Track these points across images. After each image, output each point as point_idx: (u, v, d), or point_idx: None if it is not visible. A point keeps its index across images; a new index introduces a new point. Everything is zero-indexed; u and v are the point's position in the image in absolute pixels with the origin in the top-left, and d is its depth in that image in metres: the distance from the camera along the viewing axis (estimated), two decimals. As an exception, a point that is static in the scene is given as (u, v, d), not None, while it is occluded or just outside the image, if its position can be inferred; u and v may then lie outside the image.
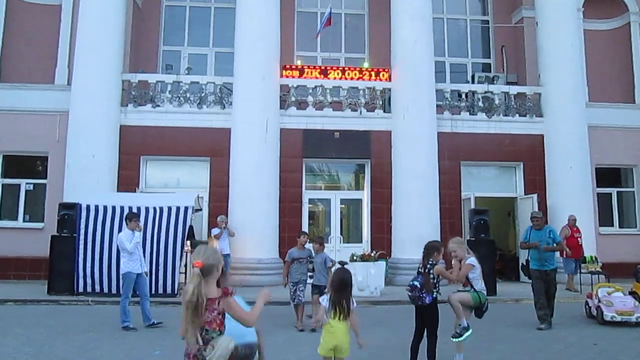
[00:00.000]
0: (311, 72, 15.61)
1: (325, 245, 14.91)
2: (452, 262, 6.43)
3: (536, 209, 14.77)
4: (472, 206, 14.25)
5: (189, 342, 3.15)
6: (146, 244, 11.04)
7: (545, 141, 15.67)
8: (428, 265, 5.92)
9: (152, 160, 14.97)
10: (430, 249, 5.98)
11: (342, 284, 4.75)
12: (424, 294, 5.80)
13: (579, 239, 13.14)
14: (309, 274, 9.00)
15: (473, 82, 16.96)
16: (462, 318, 6.11)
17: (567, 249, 12.68)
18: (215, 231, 12.93)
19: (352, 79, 15.63)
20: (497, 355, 6.30)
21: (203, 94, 15.03)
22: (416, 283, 5.87)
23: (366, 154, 15.15)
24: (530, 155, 15.68)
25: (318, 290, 8.41)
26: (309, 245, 9.25)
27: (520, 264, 9.49)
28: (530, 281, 9.17)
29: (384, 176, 14.99)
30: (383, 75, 15.64)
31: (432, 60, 15.33)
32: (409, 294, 5.93)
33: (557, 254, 10.82)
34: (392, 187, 14.86)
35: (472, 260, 6.30)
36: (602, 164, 16.38)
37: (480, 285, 6.27)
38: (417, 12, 15.02)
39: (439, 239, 14.26)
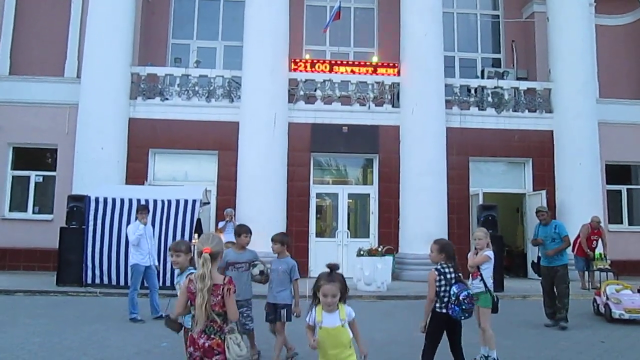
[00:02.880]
0: (325, 67, 15.59)
1: (333, 240, 15.30)
2: (470, 252, 6.38)
3: (545, 206, 14.71)
4: (480, 202, 14.20)
5: (200, 321, 3.49)
6: (154, 237, 11.09)
7: (554, 137, 15.56)
8: (456, 272, 5.03)
9: (160, 154, 15.02)
10: (453, 249, 5.09)
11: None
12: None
13: (594, 241, 12.95)
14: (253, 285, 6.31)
15: (483, 77, 16.85)
16: (494, 349, 5.97)
17: (585, 248, 12.67)
18: (220, 224, 13.03)
19: (360, 73, 15.60)
20: (503, 351, 6.28)
21: (212, 88, 15.06)
22: (470, 291, 4.95)
23: (374, 148, 15.12)
24: (539, 151, 15.57)
25: (274, 310, 5.94)
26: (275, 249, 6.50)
27: (531, 261, 9.22)
28: (540, 278, 9.04)
29: (392, 171, 14.96)
30: (392, 69, 15.58)
31: (442, 55, 15.26)
32: (469, 306, 4.87)
33: (569, 250, 10.59)
34: (400, 182, 14.83)
35: (491, 253, 6.20)
36: (612, 161, 16.26)
37: (490, 282, 6.20)
38: (426, 6, 14.95)
39: (446, 235, 14.31)
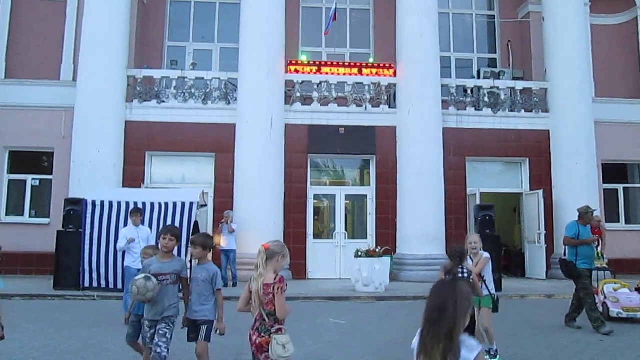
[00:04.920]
0: (322, 68, 15.63)
1: (331, 241, 15.31)
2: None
3: (542, 205, 14.74)
4: (478, 202, 14.21)
5: (255, 307, 3.79)
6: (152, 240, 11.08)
7: (551, 137, 15.60)
8: (465, 272, 5.48)
9: (157, 156, 15.00)
10: (462, 254, 5.55)
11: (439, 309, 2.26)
12: None
13: (595, 241, 12.91)
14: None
15: (479, 77, 16.90)
16: (494, 342, 6.09)
17: None
18: (221, 225, 13.13)
19: (357, 74, 15.60)
20: (502, 351, 6.27)
21: (208, 90, 15.04)
22: None
23: (371, 149, 15.12)
24: (536, 151, 15.61)
25: (195, 327, 4.84)
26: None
27: (568, 262, 8.54)
28: (564, 279, 8.86)
29: (389, 172, 14.97)
30: (388, 70, 15.59)
31: (438, 56, 15.29)
32: None
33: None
34: (397, 182, 14.84)
35: (488, 255, 6.29)
36: (608, 160, 16.31)
37: (492, 285, 6.23)
38: (422, 7, 14.98)
39: (444, 235, 14.36)
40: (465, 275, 5.40)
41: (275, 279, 3.76)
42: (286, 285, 3.79)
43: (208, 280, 4.81)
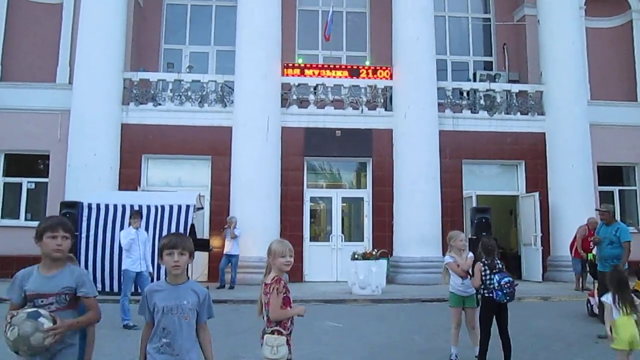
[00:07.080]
0: (318, 71, 15.67)
1: (327, 244, 15.33)
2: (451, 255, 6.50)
3: (538, 208, 14.77)
4: (474, 204, 14.25)
5: (259, 310, 3.84)
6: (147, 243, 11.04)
7: (547, 139, 15.64)
8: (501, 263, 5.99)
9: (153, 159, 14.97)
10: (496, 248, 6.08)
11: (622, 283, 4.76)
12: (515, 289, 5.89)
13: (591, 242, 12.85)
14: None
15: (475, 80, 16.93)
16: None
17: (580, 249, 12.43)
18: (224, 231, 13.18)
19: (353, 77, 15.62)
20: (499, 354, 6.28)
21: (204, 93, 15.04)
22: (510, 278, 5.81)
23: (368, 152, 15.14)
24: (532, 154, 15.64)
25: None
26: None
27: (589, 261, 8.50)
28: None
29: (386, 174, 14.98)
30: (385, 73, 15.62)
31: (434, 58, 15.32)
32: (509, 290, 5.76)
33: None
34: (393, 185, 14.85)
35: (472, 255, 6.45)
36: (603, 162, 16.35)
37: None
38: (418, 10, 15.01)
39: (440, 238, 14.37)
40: (501, 265, 5.97)
41: (273, 278, 3.71)
42: (283, 286, 3.61)
43: (196, 308, 3.20)
